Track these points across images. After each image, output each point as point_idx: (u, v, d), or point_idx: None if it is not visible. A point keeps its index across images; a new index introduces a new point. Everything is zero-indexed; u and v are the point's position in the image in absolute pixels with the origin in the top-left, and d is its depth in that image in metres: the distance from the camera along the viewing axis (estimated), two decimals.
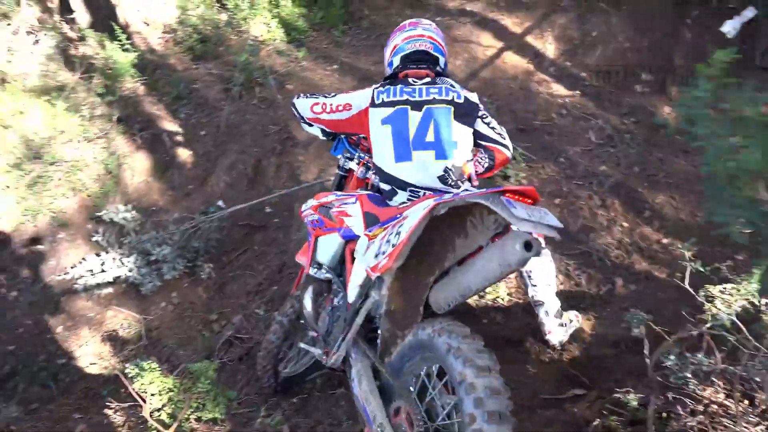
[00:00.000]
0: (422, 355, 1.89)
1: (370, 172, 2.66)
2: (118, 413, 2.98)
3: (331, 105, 2.61)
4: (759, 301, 2.27)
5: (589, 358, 2.97)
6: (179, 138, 5.10)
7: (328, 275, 2.58)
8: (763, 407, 2.11)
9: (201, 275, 4.28)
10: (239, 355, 3.74)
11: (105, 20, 5.90)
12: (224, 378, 3.55)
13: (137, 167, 4.93)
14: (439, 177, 2.43)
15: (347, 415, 2.89)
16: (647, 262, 3.72)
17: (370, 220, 2.31)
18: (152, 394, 2.67)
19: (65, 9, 5.99)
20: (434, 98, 2.46)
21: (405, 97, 2.46)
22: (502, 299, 3.57)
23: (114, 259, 4.24)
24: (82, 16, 5.90)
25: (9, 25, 5.62)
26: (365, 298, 2.22)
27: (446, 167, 2.43)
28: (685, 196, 4.09)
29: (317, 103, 2.65)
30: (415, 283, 2.10)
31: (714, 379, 2.30)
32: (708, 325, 2.37)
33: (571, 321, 3.02)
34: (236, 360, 3.71)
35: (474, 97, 2.55)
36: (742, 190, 1.10)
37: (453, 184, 2.44)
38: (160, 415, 2.66)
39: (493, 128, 2.61)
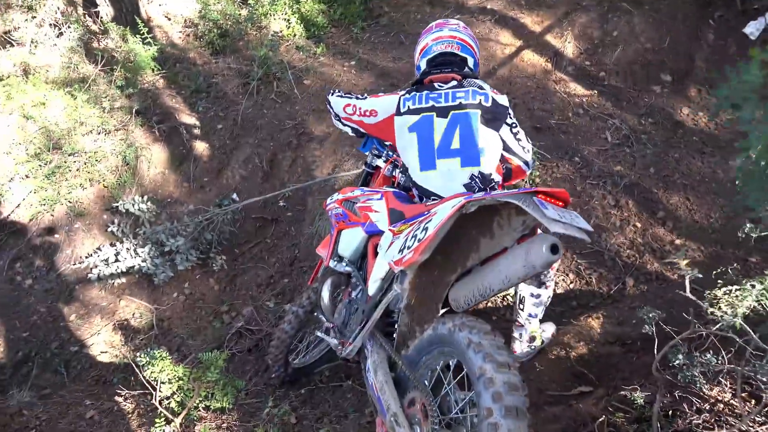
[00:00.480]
0: (440, 349, 1.90)
1: (397, 171, 2.66)
2: (128, 400, 3.03)
3: (360, 108, 2.61)
4: (766, 303, 2.24)
5: (597, 356, 2.94)
6: (196, 131, 5.16)
7: (348, 268, 2.59)
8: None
9: (213, 267, 4.32)
10: (248, 346, 3.78)
11: (128, 14, 5.98)
12: (233, 369, 3.59)
13: (154, 159, 4.99)
14: (465, 185, 2.38)
15: (353, 407, 2.90)
16: (659, 263, 3.67)
17: (395, 217, 2.32)
18: (162, 383, 2.70)
19: (89, 2, 6.08)
20: (461, 103, 2.39)
21: (431, 103, 2.41)
22: (511, 296, 3.55)
23: (128, 249, 4.31)
24: (105, 9, 5.99)
25: (34, 17, 5.73)
26: (385, 291, 2.23)
27: (472, 174, 2.38)
28: (700, 197, 4.03)
29: (349, 105, 2.66)
30: (437, 279, 2.10)
31: (721, 379, 2.27)
32: (717, 326, 2.35)
33: (542, 342, 3.00)
34: (245, 351, 3.75)
35: (503, 100, 2.47)
36: None
37: (480, 191, 2.38)
38: (169, 403, 2.70)
39: (518, 140, 2.53)
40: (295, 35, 5.91)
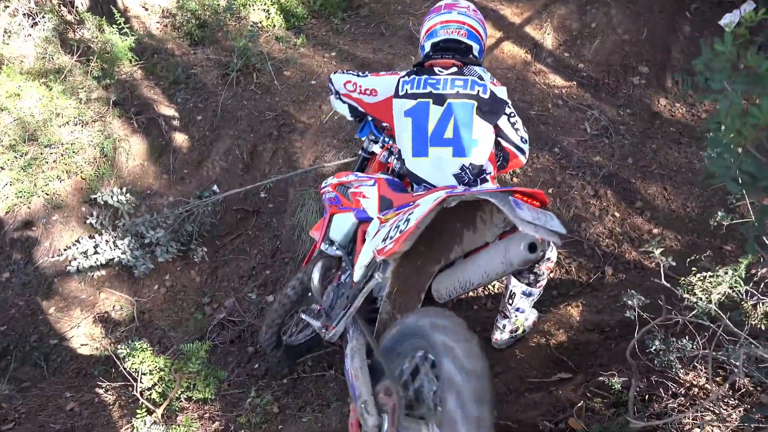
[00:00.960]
0: (416, 342, 1.87)
1: (393, 157, 2.66)
2: (109, 392, 3.00)
3: (361, 86, 2.60)
4: (740, 290, 2.30)
5: (576, 344, 2.99)
6: (175, 122, 5.10)
7: (339, 252, 2.61)
8: (743, 391, 2.14)
9: (194, 259, 4.29)
10: (231, 337, 3.77)
11: (104, 4, 5.88)
12: (215, 360, 3.59)
13: (133, 151, 4.93)
14: (455, 175, 2.38)
15: (336, 396, 2.92)
16: (637, 252, 3.74)
17: (385, 204, 2.33)
18: (143, 374, 2.69)
19: None
20: (458, 92, 2.37)
21: (428, 89, 2.39)
22: (493, 286, 3.59)
23: (107, 241, 4.26)
24: None
25: (7, 7, 5.61)
26: (369, 278, 2.25)
27: (463, 165, 2.38)
28: (677, 187, 4.10)
29: (350, 81, 2.64)
30: (420, 270, 2.13)
31: (696, 364, 2.33)
32: (692, 313, 2.41)
33: (524, 331, 3.01)
34: (228, 343, 3.74)
35: (502, 93, 2.44)
36: (745, 143, 1.13)
37: (469, 183, 2.40)
38: (150, 395, 2.69)
39: (516, 129, 2.52)
40: (274, 26, 5.86)
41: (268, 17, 5.91)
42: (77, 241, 4.38)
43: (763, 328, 2.23)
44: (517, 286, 2.75)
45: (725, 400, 2.12)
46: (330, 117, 4.76)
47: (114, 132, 4.94)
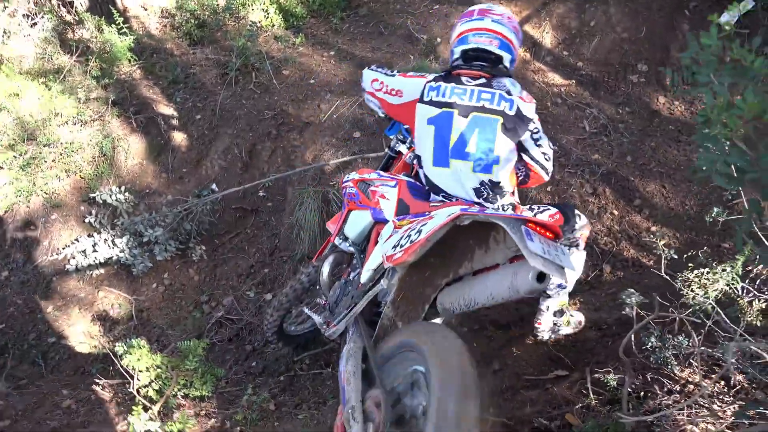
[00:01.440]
0: (413, 356, 1.83)
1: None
2: (106, 389, 3.01)
3: (387, 85, 2.53)
4: (736, 287, 2.30)
5: (574, 341, 2.99)
6: (174, 122, 5.11)
7: (351, 249, 2.58)
8: (738, 387, 2.13)
9: (193, 257, 4.30)
10: (229, 336, 3.78)
11: (103, 4, 5.89)
12: (213, 358, 3.59)
13: (132, 150, 4.94)
14: (474, 189, 2.35)
15: (332, 394, 2.92)
16: (635, 250, 3.73)
17: (402, 209, 2.31)
18: (140, 371, 2.69)
19: None
20: (484, 105, 2.30)
21: (454, 99, 2.32)
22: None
23: (106, 240, 4.27)
24: None
25: (6, 7, 5.62)
26: (376, 282, 2.23)
27: (482, 180, 2.34)
28: (675, 185, 4.09)
29: (376, 79, 2.57)
30: (427, 281, 2.12)
31: (692, 360, 2.32)
32: (690, 309, 2.41)
33: (568, 323, 2.93)
34: (226, 341, 3.75)
35: (529, 110, 2.35)
36: (732, 136, 1.14)
37: (488, 198, 2.37)
38: (147, 392, 2.69)
39: (539, 146, 2.43)
40: (273, 26, 5.87)
41: (267, 17, 5.92)
42: (76, 239, 4.39)
43: (758, 324, 2.23)
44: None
45: (720, 397, 2.11)
46: (329, 116, 4.76)
47: (113, 131, 4.94)
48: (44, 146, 4.74)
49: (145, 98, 5.25)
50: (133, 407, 2.43)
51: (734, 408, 2.02)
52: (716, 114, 1.10)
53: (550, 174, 2.55)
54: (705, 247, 3.25)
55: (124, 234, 4.27)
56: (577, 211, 2.60)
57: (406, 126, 2.76)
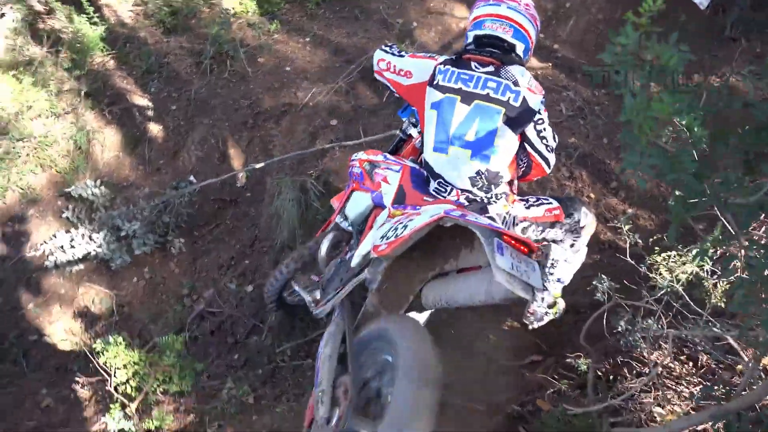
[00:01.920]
0: (383, 344, 1.89)
1: None
2: (85, 387, 3.03)
3: (395, 66, 2.51)
4: (703, 269, 2.35)
5: (550, 325, 3.02)
6: (150, 113, 5.05)
7: (350, 229, 2.59)
8: (704, 368, 2.19)
9: (172, 250, 4.29)
10: (211, 328, 3.79)
11: None
12: (195, 351, 3.60)
13: (107, 142, 4.88)
14: (470, 177, 2.34)
15: (312, 384, 2.94)
16: (611, 233, 3.77)
17: (400, 197, 2.31)
18: (117, 368, 2.70)
19: None
20: (488, 94, 2.26)
21: (459, 85, 2.30)
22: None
23: (83, 235, 4.24)
24: None
25: None
26: (364, 268, 2.23)
27: (479, 170, 2.33)
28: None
29: (383, 60, 2.55)
30: (412, 274, 2.16)
31: (661, 342, 2.38)
32: (662, 292, 2.45)
33: (556, 313, 2.98)
34: (208, 333, 3.76)
35: (534, 101, 2.30)
36: (652, 137, 1.16)
37: (483, 188, 2.37)
38: (125, 389, 2.70)
39: (542, 138, 2.40)
40: (248, 12, 5.78)
41: (242, 3, 5.83)
42: (53, 235, 4.35)
43: (722, 305, 2.28)
44: (558, 253, 2.65)
45: (687, 378, 2.17)
46: (305, 104, 4.73)
47: (87, 124, 4.88)
48: (17, 141, 4.68)
49: (119, 89, 5.18)
50: (111, 405, 2.45)
51: (699, 389, 2.08)
52: (635, 115, 1.11)
53: (552, 166, 2.52)
54: (682, 230, 3.30)
55: (101, 228, 4.24)
56: (585, 209, 2.59)
57: (414, 107, 2.73)
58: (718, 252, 2.41)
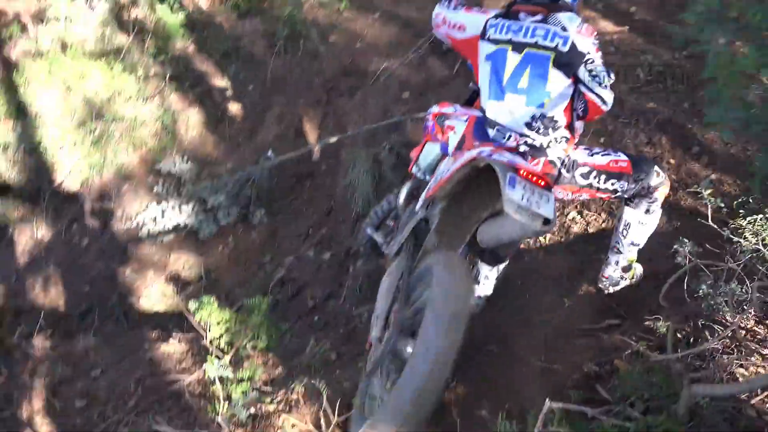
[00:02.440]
0: (429, 278, 2.06)
1: None
2: (182, 342, 3.28)
3: (449, 20, 2.58)
4: None
5: (627, 291, 3.00)
6: (229, 93, 5.30)
7: (423, 178, 2.70)
8: None
9: (254, 221, 4.53)
10: (291, 293, 3.99)
11: None
12: (277, 314, 3.81)
13: (191, 122, 5.18)
14: (526, 123, 2.39)
15: None
16: (693, 199, 3.65)
17: (460, 144, 2.40)
18: (212, 325, 2.92)
19: None
20: (537, 42, 2.32)
21: (509, 36, 2.37)
22: (544, 238, 3.61)
23: (173, 207, 4.55)
24: None
25: None
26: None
27: (534, 114, 2.38)
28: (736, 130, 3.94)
29: (439, 14, 2.63)
30: (466, 214, 2.30)
31: (745, 307, 2.31)
32: (745, 259, 2.39)
33: (633, 277, 2.91)
34: (288, 298, 3.96)
35: (585, 44, 2.31)
36: (737, 92, 1.16)
37: (540, 132, 2.40)
38: (219, 343, 2.93)
39: (594, 76, 2.37)
40: None
41: None
42: (146, 207, 4.69)
43: None
44: (631, 215, 2.65)
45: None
46: (376, 78, 4.82)
47: (172, 105, 5.19)
48: (111, 123, 5.04)
49: (200, 72, 5.45)
50: (208, 356, 2.67)
51: None
52: (720, 70, 1.11)
53: (609, 104, 2.47)
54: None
55: (189, 201, 4.53)
56: (657, 168, 2.57)
57: (469, 60, 2.76)
58: None
